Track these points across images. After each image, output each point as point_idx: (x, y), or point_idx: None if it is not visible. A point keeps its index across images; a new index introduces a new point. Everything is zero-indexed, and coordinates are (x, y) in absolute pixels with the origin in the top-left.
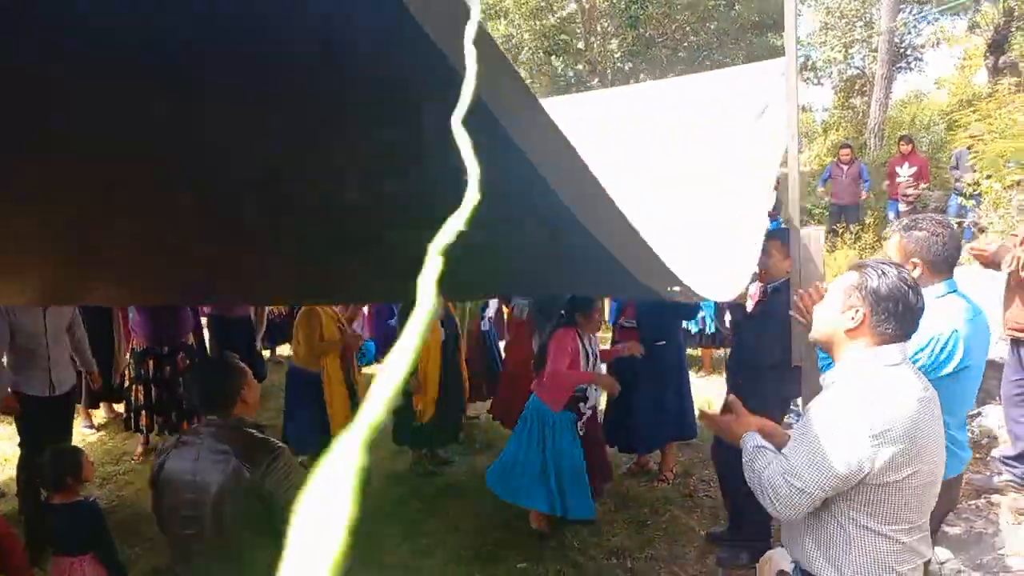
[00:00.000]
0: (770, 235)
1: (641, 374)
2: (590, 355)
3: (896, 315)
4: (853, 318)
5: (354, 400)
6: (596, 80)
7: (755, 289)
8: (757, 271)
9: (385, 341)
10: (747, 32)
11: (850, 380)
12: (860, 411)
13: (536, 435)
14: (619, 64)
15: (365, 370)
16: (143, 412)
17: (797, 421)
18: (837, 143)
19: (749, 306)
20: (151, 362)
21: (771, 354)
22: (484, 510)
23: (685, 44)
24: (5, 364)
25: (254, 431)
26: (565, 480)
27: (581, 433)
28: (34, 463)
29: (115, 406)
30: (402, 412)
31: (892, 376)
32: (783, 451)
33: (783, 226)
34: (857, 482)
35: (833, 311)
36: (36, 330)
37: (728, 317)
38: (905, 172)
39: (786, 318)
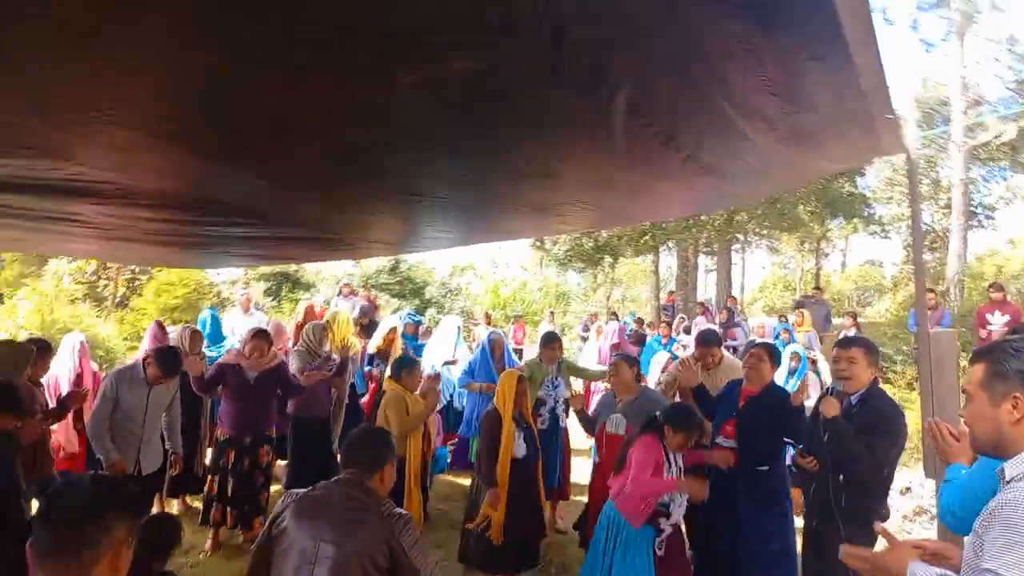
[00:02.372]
0: (852, 342)
1: (743, 500)
2: (673, 467)
3: None
4: (1015, 408)
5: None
6: None
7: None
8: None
9: (459, 449)
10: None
11: None
12: None
13: (606, 547)
14: None
15: (439, 477)
16: (214, 504)
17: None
18: (908, 298)
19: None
20: (232, 453)
21: (886, 467)
22: None
23: None
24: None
25: (382, 499)
26: None
27: (660, 553)
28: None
29: (189, 499)
30: (471, 531)
31: None
32: (989, 568)
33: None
34: None
35: (987, 413)
36: (138, 408)
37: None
38: (998, 320)
39: (897, 428)
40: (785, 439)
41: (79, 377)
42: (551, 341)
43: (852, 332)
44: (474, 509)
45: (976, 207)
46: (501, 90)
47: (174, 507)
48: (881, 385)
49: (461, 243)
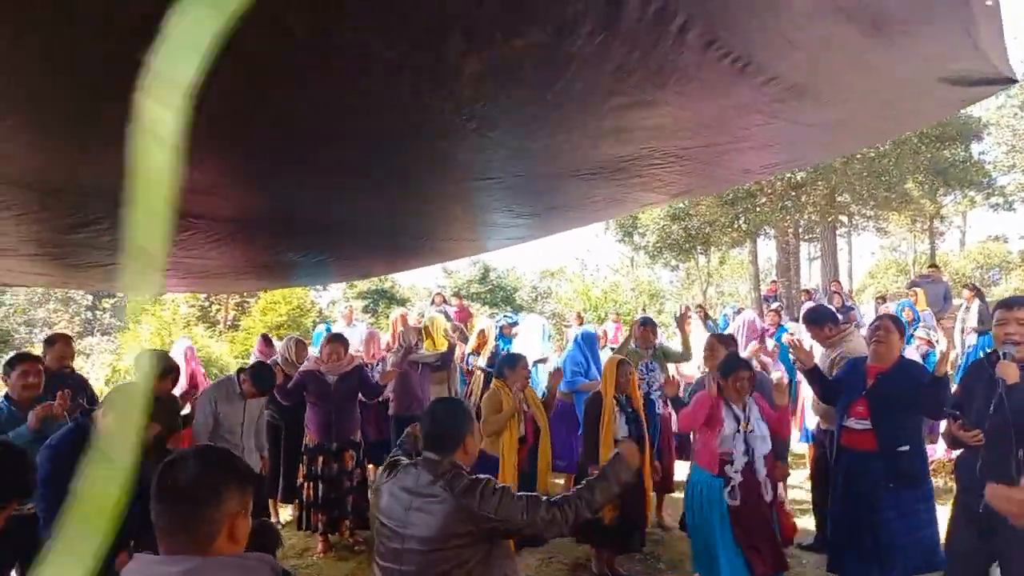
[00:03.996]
0: (1020, 301)
1: (883, 485)
2: (740, 420)
3: None
4: None
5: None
6: None
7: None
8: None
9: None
10: (929, 144)
11: None
12: None
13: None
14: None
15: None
16: (312, 510)
17: None
18: None
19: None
20: (321, 458)
21: None
22: None
23: (859, 155)
24: None
25: (465, 472)
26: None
27: (734, 503)
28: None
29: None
30: None
31: None
32: None
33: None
34: None
35: None
36: (236, 421)
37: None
38: None
39: None
40: (927, 415)
41: (192, 377)
42: (646, 324)
43: (975, 304)
44: None
45: None
46: (568, 56)
47: (288, 511)
48: None
49: (542, 228)
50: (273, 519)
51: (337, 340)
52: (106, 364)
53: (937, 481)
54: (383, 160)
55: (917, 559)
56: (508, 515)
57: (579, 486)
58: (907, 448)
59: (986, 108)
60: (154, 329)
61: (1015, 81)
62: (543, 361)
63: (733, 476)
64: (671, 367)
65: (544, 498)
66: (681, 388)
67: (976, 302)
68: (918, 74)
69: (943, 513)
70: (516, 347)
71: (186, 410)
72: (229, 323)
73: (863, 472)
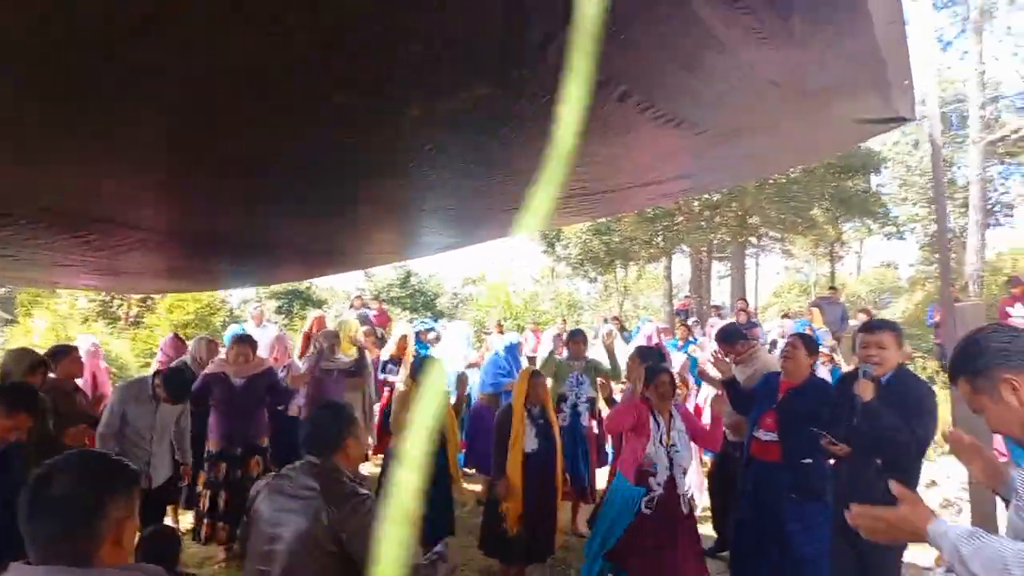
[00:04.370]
0: (884, 325)
1: (786, 496)
2: (661, 429)
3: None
4: (1014, 390)
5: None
6: None
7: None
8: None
9: (476, 448)
10: (834, 174)
11: None
12: None
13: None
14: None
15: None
16: (207, 520)
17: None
18: (925, 298)
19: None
20: (223, 465)
21: (910, 449)
22: None
23: (771, 181)
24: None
25: (346, 478)
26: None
27: (647, 512)
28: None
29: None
30: (489, 519)
31: None
32: None
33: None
34: None
35: (997, 412)
36: (146, 425)
37: None
38: (1019, 312)
39: (931, 407)
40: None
41: (94, 378)
42: (576, 336)
43: None
44: (493, 502)
45: (994, 205)
46: (506, 108)
47: (189, 519)
48: None
49: (467, 241)
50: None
51: (245, 341)
52: None
53: None
54: (320, 190)
55: (814, 569)
56: (361, 543)
57: (430, 555)
58: (810, 461)
59: (883, 143)
60: (49, 324)
61: (914, 120)
62: (472, 366)
63: (656, 488)
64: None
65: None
66: (615, 392)
67: None
68: (833, 120)
69: None
70: (441, 352)
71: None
72: (131, 320)
73: (769, 482)
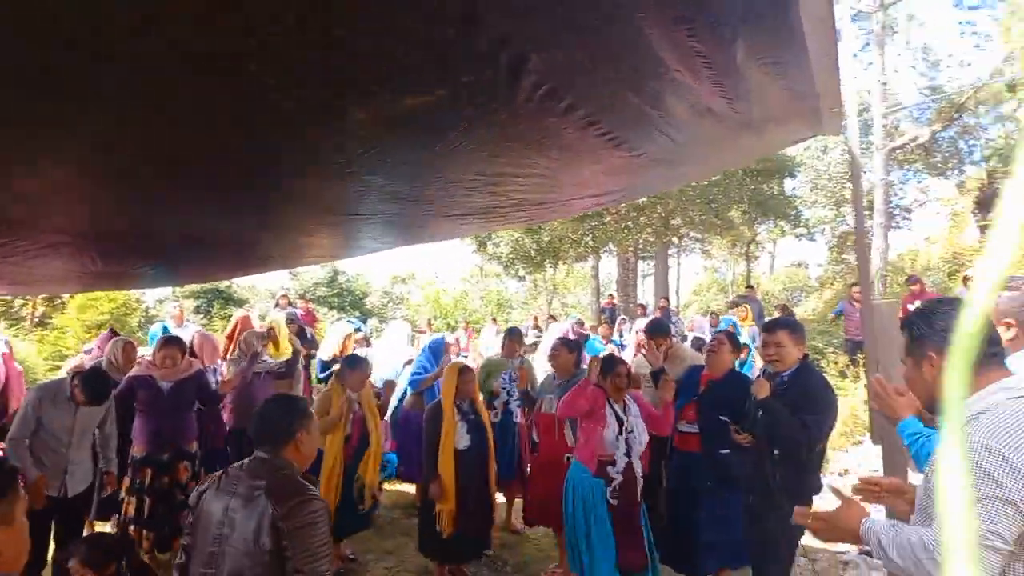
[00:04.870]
0: (778, 324)
1: (703, 485)
2: (623, 422)
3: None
4: (932, 366)
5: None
6: None
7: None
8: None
9: (406, 454)
10: (752, 178)
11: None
12: None
13: (574, 507)
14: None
15: (386, 486)
16: (131, 528)
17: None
18: (834, 296)
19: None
20: (148, 471)
21: (819, 441)
22: None
23: (693, 184)
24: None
25: (294, 474)
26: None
27: (613, 502)
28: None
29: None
30: (425, 520)
31: None
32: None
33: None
34: None
35: (915, 375)
36: (63, 429)
37: None
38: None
39: (828, 402)
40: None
41: (6, 380)
42: (512, 335)
43: None
44: (428, 503)
45: (894, 208)
46: (452, 119)
47: (106, 530)
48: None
49: (401, 244)
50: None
51: (173, 344)
52: None
53: None
54: (251, 191)
55: (726, 556)
56: (299, 544)
57: None
58: (728, 452)
59: (796, 149)
60: None
61: (838, 136)
62: (410, 363)
63: (615, 476)
64: None
65: None
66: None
67: None
68: (763, 140)
69: None
70: (377, 353)
71: None
72: (37, 320)
73: (689, 472)
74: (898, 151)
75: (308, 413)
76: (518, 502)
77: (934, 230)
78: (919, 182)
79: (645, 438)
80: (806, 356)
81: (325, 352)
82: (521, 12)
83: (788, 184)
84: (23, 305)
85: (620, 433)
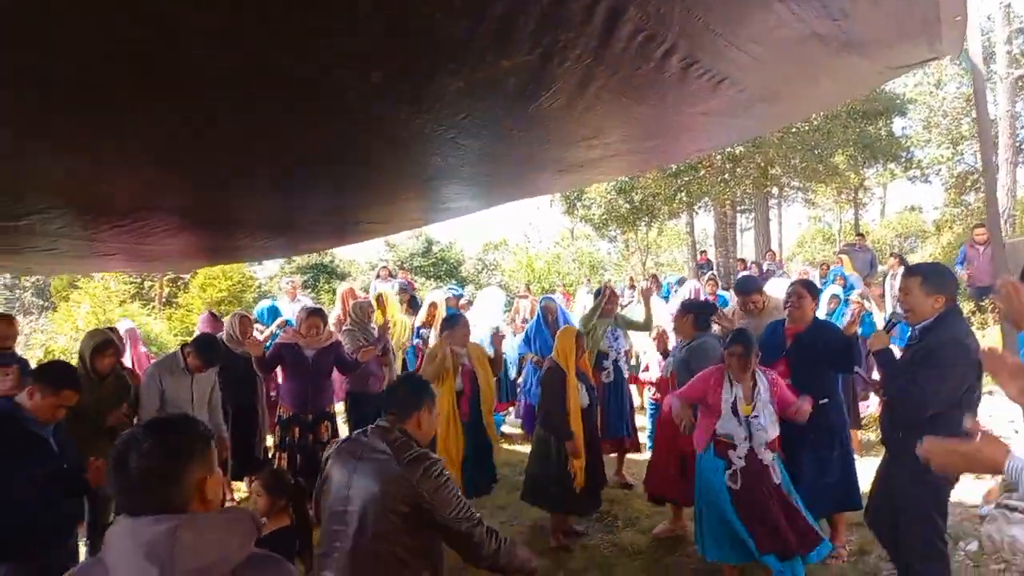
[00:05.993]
0: (911, 271)
1: (802, 435)
2: (738, 401)
3: None
4: None
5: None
6: None
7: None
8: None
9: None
10: (857, 120)
11: None
12: None
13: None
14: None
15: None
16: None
17: None
18: (954, 240)
19: (897, 352)
20: (296, 429)
21: (933, 402)
22: None
23: (793, 129)
24: None
25: (414, 443)
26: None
27: (734, 487)
28: None
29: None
30: (541, 474)
31: None
32: None
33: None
34: None
35: None
36: (184, 397)
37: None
38: None
39: (946, 361)
40: (838, 371)
41: (134, 363)
42: (606, 295)
43: (900, 271)
44: (545, 459)
45: (1021, 143)
46: (552, 77)
47: (242, 490)
48: None
49: (488, 202)
50: (228, 498)
51: (316, 314)
52: (38, 345)
53: (869, 434)
54: (351, 163)
55: (826, 504)
56: (441, 504)
57: (506, 544)
58: (827, 401)
59: (905, 85)
60: (90, 308)
61: (957, 56)
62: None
63: (736, 461)
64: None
65: (484, 523)
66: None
67: (901, 269)
68: (871, 67)
69: (870, 463)
70: (474, 317)
71: None
72: (164, 300)
73: (786, 425)
74: None
75: (434, 396)
76: (628, 457)
77: None
78: None
79: (774, 431)
80: (953, 304)
81: (417, 320)
82: None
83: (897, 124)
84: (151, 287)
85: (736, 415)
